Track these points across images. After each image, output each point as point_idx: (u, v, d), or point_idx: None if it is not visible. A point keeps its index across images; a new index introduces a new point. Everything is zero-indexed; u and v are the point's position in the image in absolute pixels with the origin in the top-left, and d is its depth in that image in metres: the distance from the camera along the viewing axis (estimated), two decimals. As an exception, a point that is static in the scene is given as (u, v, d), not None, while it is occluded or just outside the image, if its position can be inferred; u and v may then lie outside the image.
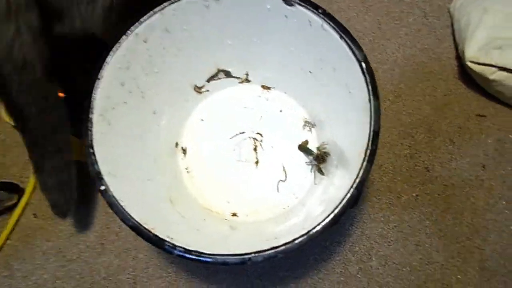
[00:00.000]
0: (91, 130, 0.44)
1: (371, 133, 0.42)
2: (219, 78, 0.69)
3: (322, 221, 0.41)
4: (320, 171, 0.64)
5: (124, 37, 0.46)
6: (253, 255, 0.40)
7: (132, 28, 0.46)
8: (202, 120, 0.74)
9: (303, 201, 0.70)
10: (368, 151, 0.42)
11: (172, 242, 0.41)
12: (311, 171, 0.70)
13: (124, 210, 0.42)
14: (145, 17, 0.46)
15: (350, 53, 0.45)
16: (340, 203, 0.41)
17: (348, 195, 0.41)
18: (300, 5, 0.46)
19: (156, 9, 0.46)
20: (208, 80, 0.69)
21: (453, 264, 0.67)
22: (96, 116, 0.45)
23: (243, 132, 0.74)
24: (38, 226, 0.72)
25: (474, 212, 0.69)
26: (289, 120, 0.74)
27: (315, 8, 0.46)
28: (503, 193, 0.69)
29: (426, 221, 0.68)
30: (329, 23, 0.45)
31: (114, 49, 0.46)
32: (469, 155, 0.71)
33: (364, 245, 0.68)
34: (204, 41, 0.56)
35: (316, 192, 0.68)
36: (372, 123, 0.42)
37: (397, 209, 0.69)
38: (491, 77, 0.64)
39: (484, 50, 0.64)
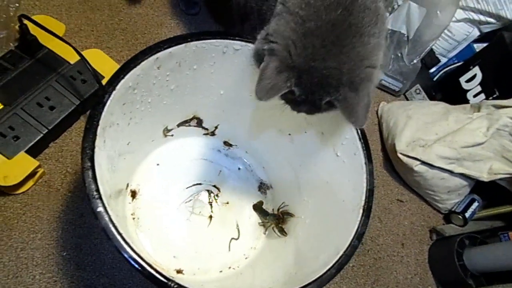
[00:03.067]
0: (93, 142, 0.38)
1: (368, 191, 0.47)
2: (190, 125, 0.68)
3: (328, 271, 0.41)
4: (282, 232, 0.65)
5: (145, 57, 0.44)
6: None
7: (155, 51, 0.45)
8: (158, 164, 0.69)
9: (252, 262, 0.68)
10: (366, 206, 0.46)
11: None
12: (264, 232, 0.70)
13: (123, 238, 0.36)
14: (172, 43, 0.45)
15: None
16: (343, 254, 0.43)
17: (350, 246, 0.44)
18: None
19: (182, 40, 0.46)
20: (179, 125, 0.67)
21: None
22: (100, 129, 0.39)
23: (200, 184, 0.71)
24: None
25: (396, 285, 0.77)
26: (246, 178, 0.75)
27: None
28: (417, 270, 0.80)
29: (360, 292, 0.73)
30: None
31: (131, 65, 0.43)
32: (392, 233, 0.82)
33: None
34: (200, 85, 0.57)
35: (269, 254, 0.68)
36: (368, 183, 0.48)
37: (336, 279, 0.73)
38: (415, 168, 0.78)
39: (411, 146, 0.79)
